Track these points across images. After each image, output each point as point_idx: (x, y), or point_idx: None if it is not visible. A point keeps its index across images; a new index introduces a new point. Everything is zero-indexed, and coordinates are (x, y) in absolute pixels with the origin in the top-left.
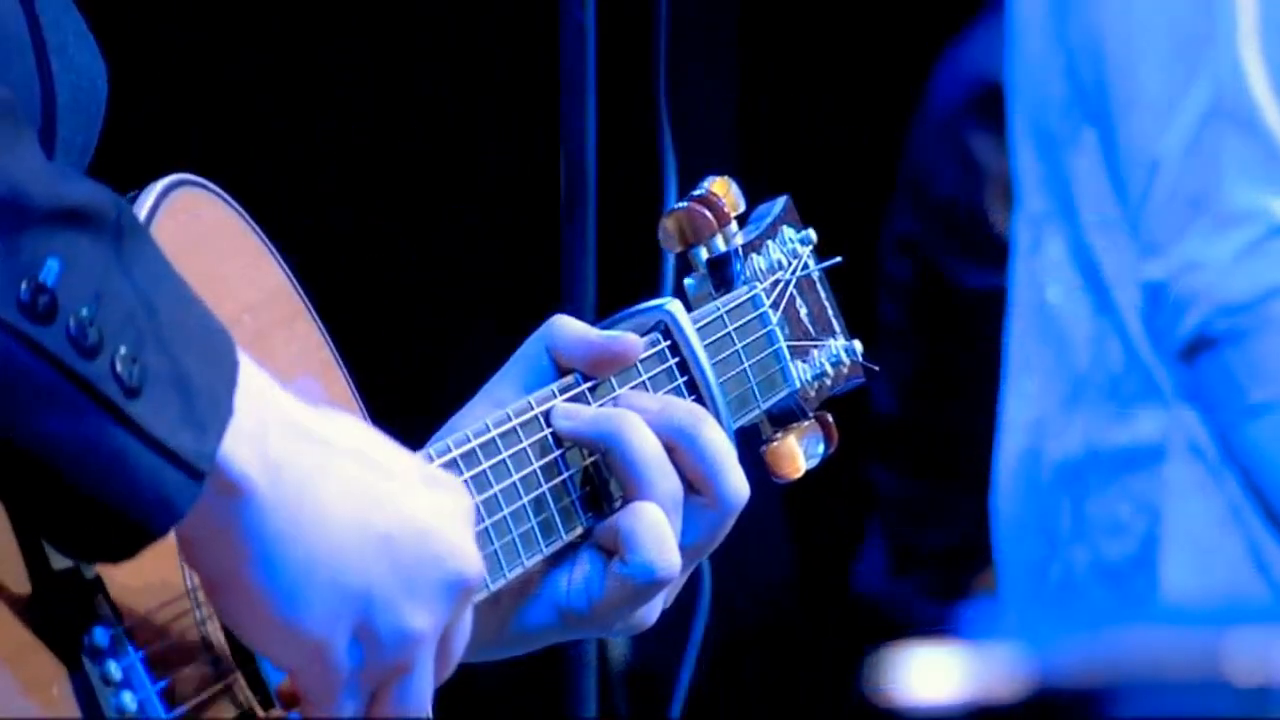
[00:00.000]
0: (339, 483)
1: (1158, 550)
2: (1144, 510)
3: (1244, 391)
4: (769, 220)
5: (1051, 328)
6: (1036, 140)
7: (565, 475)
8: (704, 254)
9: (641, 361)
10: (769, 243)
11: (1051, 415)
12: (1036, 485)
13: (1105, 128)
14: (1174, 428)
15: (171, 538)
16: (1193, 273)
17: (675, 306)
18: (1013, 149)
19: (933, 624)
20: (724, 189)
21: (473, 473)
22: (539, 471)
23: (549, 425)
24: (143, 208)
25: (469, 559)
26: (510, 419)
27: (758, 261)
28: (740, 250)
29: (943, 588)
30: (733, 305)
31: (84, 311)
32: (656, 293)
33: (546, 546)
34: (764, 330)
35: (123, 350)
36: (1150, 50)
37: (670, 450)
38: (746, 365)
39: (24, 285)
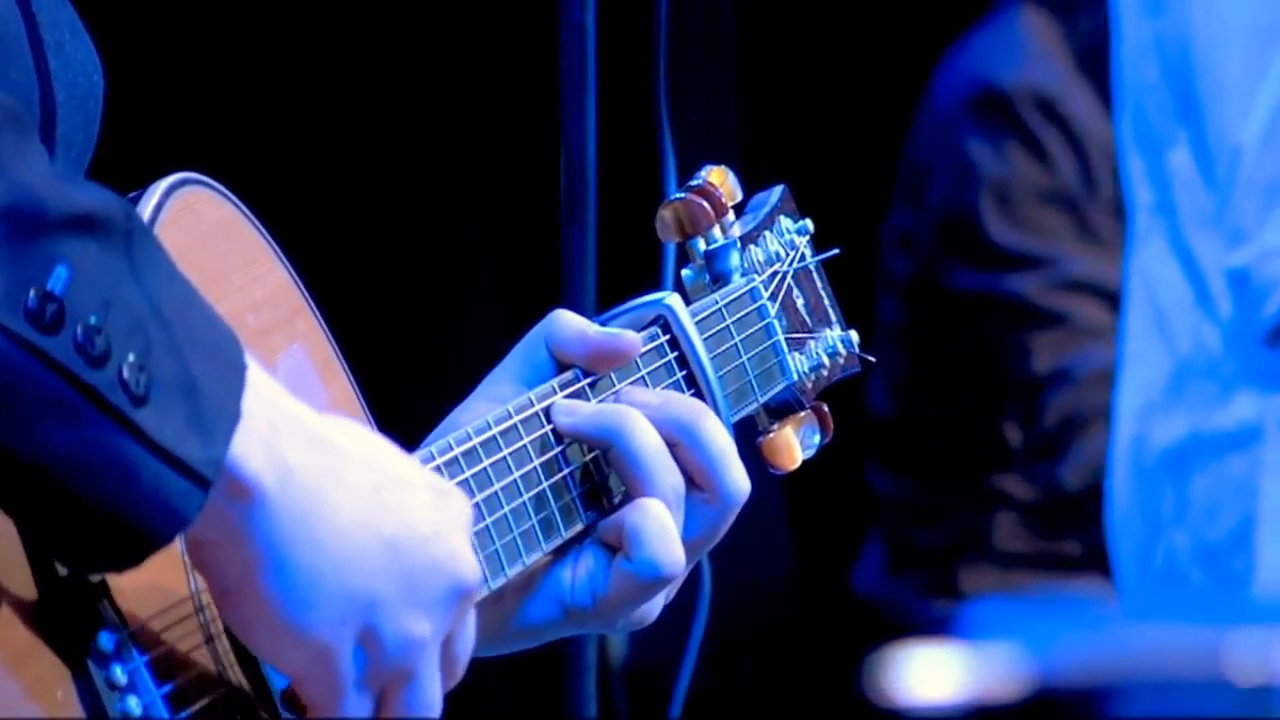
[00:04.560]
0: (348, 488)
1: (1254, 530)
2: (1242, 491)
3: None
4: (766, 210)
5: (1159, 318)
6: (1138, 136)
7: (565, 472)
8: (701, 245)
9: (641, 356)
10: (766, 233)
11: (1158, 402)
12: (1144, 471)
13: (1194, 121)
14: (1269, 409)
15: (174, 543)
16: (1274, 259)
17: (674, 300)
18: (1120, 144)
19: (932, 624)
20: (721, 179)
21: (473, 470)
22: (539, 469)
23: (549, 422)
24: (146, 207)
25: (468, 565)
26: (511, 415)
27: (755, 253)
28: (738, 242)
29: (941, 587)
30: (731, 298)
31: (92, 319)
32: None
33: (547, 544)
34: (762, 323)
35: (131, 358)
36: (1232, 41)
37: (671, 446)
38: (745, 359)
39: (32, 293)
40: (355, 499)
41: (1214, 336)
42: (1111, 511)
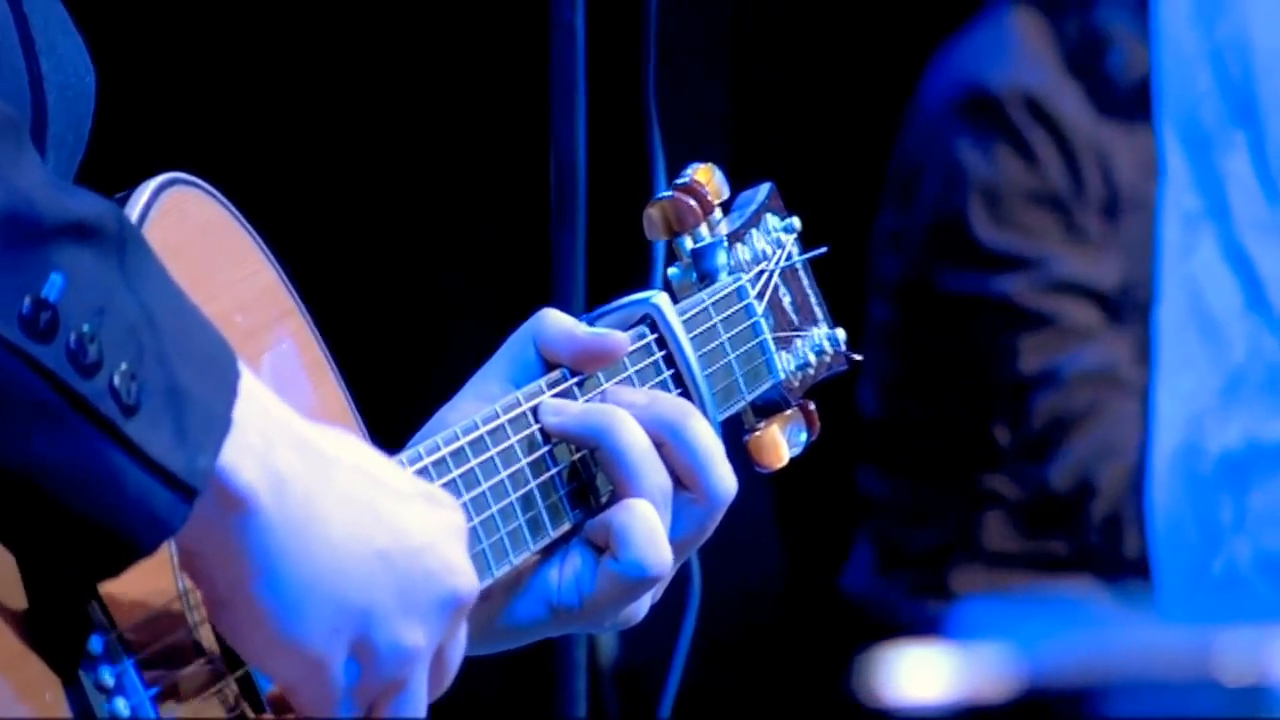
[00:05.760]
0: (341, 498)
1: None
2: None
3: None
4: (753, 208)
5: (1207, 325)
6: (1185, 141)
7: (553, 471)
8: (689, 243)
9: (628, 355)
10: (753, 231)
11: (1209, 410)
12: (1196, 480)
13: (1254, 128)
14: None
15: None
16: None
17: (662, 299)
18: (1161, 149)
19: (921, 624)
20: (707, 177)
21: (461, 470)
22: (527, 468)
23: (537, 421)
24: (135, 207)
25: (463, 576)
26: (498, 415)
27: (742, 251)
28: (725, 240)
29: (931, 588)
30: (718, 297)
31: (85, 327)
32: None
33: (534, 544)
34: (749, 321)
35: (123, 366)
36: None
37: (658, 445)
38: (732, 357)
39: (26, 300)
40: (347, 509)
41: (1271, 344)
42: (1154, 519)
